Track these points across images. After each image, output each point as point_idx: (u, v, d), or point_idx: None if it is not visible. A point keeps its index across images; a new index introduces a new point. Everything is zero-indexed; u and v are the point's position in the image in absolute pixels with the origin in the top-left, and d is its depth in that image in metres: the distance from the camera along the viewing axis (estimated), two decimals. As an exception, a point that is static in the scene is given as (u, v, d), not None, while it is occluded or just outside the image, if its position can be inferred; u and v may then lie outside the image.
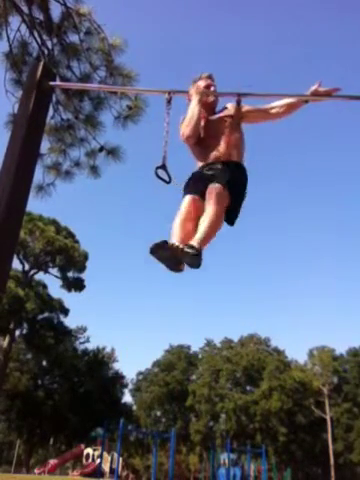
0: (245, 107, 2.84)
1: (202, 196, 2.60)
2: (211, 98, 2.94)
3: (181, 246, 2.24)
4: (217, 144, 2.78)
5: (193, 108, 2.79)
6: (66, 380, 36.54)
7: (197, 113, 2.79)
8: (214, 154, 2.77)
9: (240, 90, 2.86)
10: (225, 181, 2.57)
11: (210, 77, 2.98)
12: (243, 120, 2.87)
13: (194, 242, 2.31)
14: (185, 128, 2.79)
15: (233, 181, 2.61)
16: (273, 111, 2.86)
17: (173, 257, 2.27)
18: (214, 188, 2.53)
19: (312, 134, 71.80)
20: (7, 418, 35.22)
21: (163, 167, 2.62)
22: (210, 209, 2.47)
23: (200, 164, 2.82)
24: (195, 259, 2.24)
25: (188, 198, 2.68)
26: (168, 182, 2.64)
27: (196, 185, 2.71)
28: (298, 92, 2.96)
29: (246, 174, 2.79)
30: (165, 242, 2.25)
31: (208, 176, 2.66)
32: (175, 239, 2.46)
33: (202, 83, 2.93)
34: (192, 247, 2.24)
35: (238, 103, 2.81)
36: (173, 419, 42.33)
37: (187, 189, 2.74)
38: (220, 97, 3.02)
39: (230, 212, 2.62)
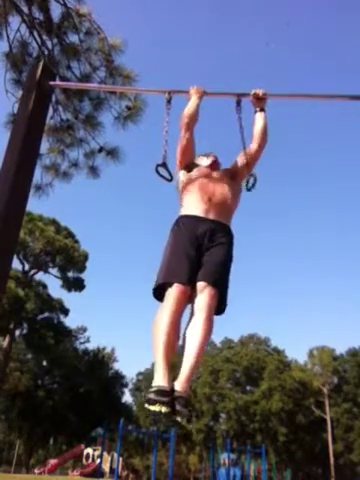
0: (238, 163, 2.74)
1: (190, 281, 2.24)
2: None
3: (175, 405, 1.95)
4: (221, 197, 2.52)
5: (193, 100, 2.79)
6: (66, 380, 36.52)
7: (196, 103, 2.77)
8: (218, 211, 2.48)
9: (240, 91, 2.87)
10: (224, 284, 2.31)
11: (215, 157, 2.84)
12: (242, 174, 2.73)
13: (182, 387, 2.04)
14: (184, 112, 2.75)
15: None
16: (255, 146, 2.74)
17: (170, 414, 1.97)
18: (211, 294, 2.21)
19: (312, 134, 71.81)
20: (7, 418, 35.23)
21: (164, 165, 2.63)
22: (202, 331, 2.16)
23: (196, 207, 2.48)
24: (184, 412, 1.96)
25: (179, 292, 2.20)
26: (169, 180, 2.65)
27: (189, 263, 2.28)
28: (298, 92, 2.97)
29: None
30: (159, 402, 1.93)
31: (210, 256, 2.32)
32: (163, 367, 2.15)
33: (208, 160, 2.80)
34: (184, 402, 1.97)
35: (238, 103, 2.81)
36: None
37: (178, 268, 2.26)
38: (220, 97, 3.02)
39: (220, 304, 2.30)
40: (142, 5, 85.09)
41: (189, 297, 2.26)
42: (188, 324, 2.24)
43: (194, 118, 2.73)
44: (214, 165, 2.75)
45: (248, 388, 42.47)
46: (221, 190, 2.55)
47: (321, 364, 41.09)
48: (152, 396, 1.97)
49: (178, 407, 1.95)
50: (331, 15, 74.60)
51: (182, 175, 2.70)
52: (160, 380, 2.10)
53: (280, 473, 26.46)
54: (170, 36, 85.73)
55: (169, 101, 2.78)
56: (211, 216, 2.46)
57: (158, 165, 2.62)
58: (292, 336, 67.67)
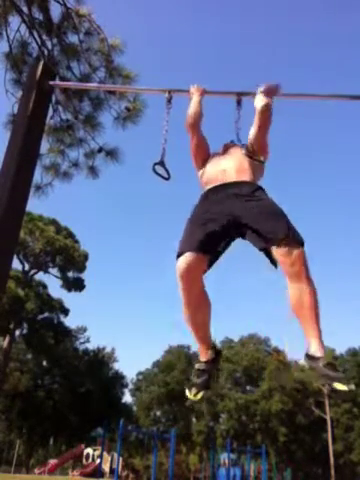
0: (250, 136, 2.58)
1: (209, 244, 2.09)
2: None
3: (338, 386, 1.81)
4: (237, 168, 2.40)
5: (194, 98, 2.77)
6: (66, 380, 36.54)
7: (197, 101, 2.75)
8: (237, 176, 2.35)
9: (240, 90, 2.87)
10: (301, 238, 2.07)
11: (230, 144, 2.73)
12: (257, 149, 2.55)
13: (321, 352, 1.91)
14: (188, 112, 2.71)
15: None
16: (257, 115, 2.57)
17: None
18: (297, 254, 1.99)
19: (311, 134, 71.83)
20: (7, 418, 35.23)
21: (161, 163, 2.63)
22: (307, 293, 1.99)
23: (213, 181, 2.38)
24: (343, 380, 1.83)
25: (184, 266, 2.04)
26: (167, 178, 2.64)
27: (203, 230, 2.11)
28: (297, 92, 2.97)
29: None
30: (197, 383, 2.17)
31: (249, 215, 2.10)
32: (201, 345, 2.21)
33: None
34: (333, 366, 1.85)
35: (238, 103, 2.81)
36: (173, 419, 42.33)
37: (187, 238, 2.14)
38: (220, 97, 3.02)
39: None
40: (142, 5, 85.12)
41: (201, 268, 2.10)
42: (288, 287, 2.02)
43: (198, 116, 2.69)
44: (225, 148, 2.64)
45: (248, 388, 42.48)
46: (235, 162, 2.44)
47: (321, 364, 41.08)
48: (193, 378, 2.16)
49: (333, 374, 1.84)
50: (332, 15, 74.62)
51: (200, 173, 2.62)
52: (201, 357, 2.27)
53: (280, 473, 26.47)
54: (170, 36, 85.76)
55: (169, 100, 2.79)
56: (229, 179, 2.32)
57: (155, 164, 2.62)
58: (292, 336, 67.66)
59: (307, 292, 1.99)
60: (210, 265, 2.18)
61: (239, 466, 21.79)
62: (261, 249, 2.10)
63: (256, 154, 2.48)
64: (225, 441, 24.76)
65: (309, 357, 1.94)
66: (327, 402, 39.07)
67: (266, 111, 2.51)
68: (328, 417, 38.23)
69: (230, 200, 2.19)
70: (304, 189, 69.45)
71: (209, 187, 2.37)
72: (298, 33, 75.29)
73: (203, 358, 2.23)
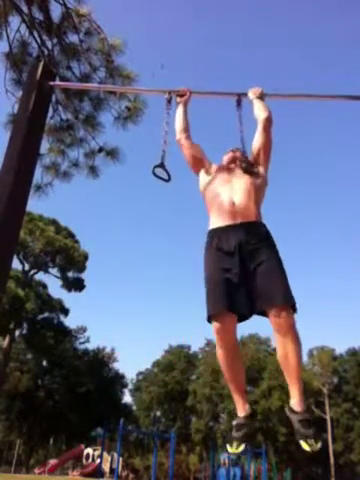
0: (254, 150, 2.68)
1: (233, 307, 2.21)
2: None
3: (304, 443, 2.08)
4: (244, 194, 2.46)
5: (178, 111, 2.83)
6: (66, 380, 36.54)
7: (181, 114, 2.79)
8: (244, 210, 2.41)
9: (240, 91, 2.88)
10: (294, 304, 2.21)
11: (235, 151, 2.77)
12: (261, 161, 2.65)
13: (300, 407, 2.13)
14: (176, 128, 2.77)
15: None
16: (260, 128, 2.68)
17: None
18: (286, 314, 2.14)
19: (311, 134, 71.82)
20: (7, 418, 35.23)
21: (161, 166, 2.61)
22: (292, 350, 2.15)
23: (221, 215, 2.43)
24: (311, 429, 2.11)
25: (222, 327, 2.22)
26: (167, 180, 2.63)
27: (227, 289, 2.23)
28: (297, 92, 2.97)
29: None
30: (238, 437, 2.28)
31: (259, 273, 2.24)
32: (240, 400, 2.37)
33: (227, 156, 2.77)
34: (308, 423, 2.11)
35: (238, 104, 2.81)
36: (173, 419, 42.33)
37: (217, 298, 2.24)
38: (220, 97, 3.02)
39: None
40: (142, 5, 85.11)
41: (235, 321, 2.26)
42: (276, 343, 2.21)
43: (186, 130, 2.75)
44: (230, 163, 2.68)
45: (248, 388, 42.49)
46: (241, 186, 2.47)
47: (321, 364, 41.09)
48: (233, 433, 2.27)
49: (303, 430, 2.08)
50: (332, 15, 74.63)
51: (201, 178, 2.67)
52: (239, 412, 2.38)
53: (280, 473, 26.48)
54: (170, 36, 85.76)
55: (169, 101, 2.79)
56: (239, 219, 2.38)
57: (155, 166, 2.60)
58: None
59: (293, 350, 2.16)
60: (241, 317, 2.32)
61: (239, 466, 21.78)
62: (258, 310, 2.25)
63: (257, 167, 2.60)
64: (225, 441, 24.74)
65: (289, 409, 2.16)
66: (327, 402, 39.07)
67: (269, 124, 2.66)
68: (328, 417, 38.23)
69: (241, 252, 2.30)
70: (303, 189, 69.49)
71: (218, 226, 2.42)
72: (298, 33, 75.33)
73: (241, 413, 2.33)
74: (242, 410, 2.33)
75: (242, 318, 2.29)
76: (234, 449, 2.22)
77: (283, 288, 2.21)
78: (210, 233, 2.46)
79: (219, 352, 2.27)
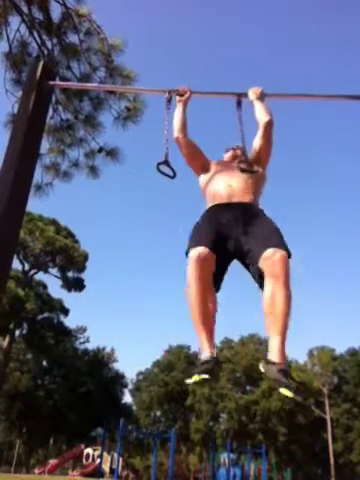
0: (254, 149, 2.72)
1: (217, 250, 2.20)
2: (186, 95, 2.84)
3: (282, 388, 1.94)
4: (242, 183, 2.52)
5: (177, 111, 2.83)
6: (66, 380, 36.53)
7: (180, 113, 2.80)
8: (241, 193, 2.47)
9: (240, 90, 2.88)
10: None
11: (235, 149, 2.84)
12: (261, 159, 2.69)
13: (279, 359, 2.00)
14: (173, 126, 2.79)
15: None
16: (261, 129, 2.71)
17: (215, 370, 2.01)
18: (282, 256, 2.10)
19: (311, 134, 71.81)
20: (7, 418, 35.22)
21: (165, 162, 2.62)
22: (281, 294, 2.06)
23: (218, 196, 2.50)
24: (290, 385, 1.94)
25: (199, 255, 2.15)
26: (172, 177, 2.63)
27: (214, 234, 2.26)
28: (296, 92, 2.97)
29: None
30: (205, 370, 1.98)
31: (245, 222, 2.28)
32: (205, 339, 2.13)
33: (228, 154, 2.85)
34: (284, 373, 1.95)
35: (238, 104, 2.81)
36: (173, 419, 42.32)
37: (200, 237, 2.25)
38: (220, 97, 3.02)
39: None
40: (142, 5, 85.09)
41: (212, 264, 2.18)
42: (265, 288, 2.11)
43: (183, 130, 2.76)
44: (231, 158, 2.77)
45: (248, 388, 42.46)
46: (240, 178, 2.53)
47: (321, 364, 41.08)
48: (197, 370, 2.01)
49: (284, 380, 1.94)
50: (332, 14, 74.60)
51: (201, 180, 2.72)
52: (203, 354, 2.11)
53: (280, 473, 26.47)
54: (170, 36, 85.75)
55: (169, 100, 2.79)
56: (235, 199, 2.44)
57: (159, 163, 2.61)
58: (292, 336, 67.54)
59: (283, 295, 2.05)
60: (216, 280, 2.25)
61: (239, 466, 21.78)
62: (252, 255, 2.20)
63: (255, 166, 2.60)
64: (225, 441, 24.76)
65: (267, 361, 2.01)
66: (327, 402, 39.07)
67: (270, 128, 2.68)
68: (328, 417, 38.23)
69: (236, 224, 2.31)
70: (303, 189, 69.48)
71: (215, 203, 2.48)
72: (298, 33, 75.31)
73: (207, 353, 2.10)
74: (209, 351, 2.10)
75: (221, 263, 2.24)
76: (195, 378, 1.98)
77: (278, 237, 2.23)
78: (205, 211, 2.52)
79: (192, 285, 2.12)
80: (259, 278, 2.19)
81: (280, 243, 2.18)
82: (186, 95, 2.85)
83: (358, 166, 69.06)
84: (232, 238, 2.28)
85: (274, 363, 1.98)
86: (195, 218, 2.52)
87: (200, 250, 2.16)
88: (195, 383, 1.98)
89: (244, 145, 2.73)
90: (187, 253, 2.23)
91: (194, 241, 2.25)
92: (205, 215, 2.47)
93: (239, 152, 2.78)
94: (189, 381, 2.01)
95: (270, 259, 2.09)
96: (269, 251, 2.10)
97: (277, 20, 74.78)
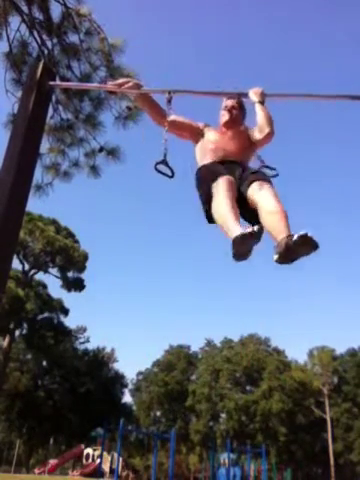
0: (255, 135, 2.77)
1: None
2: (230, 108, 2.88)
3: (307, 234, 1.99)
4: (237, 150, 2.66)
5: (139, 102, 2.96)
6: (66, 380, 36.54)
7: (144, 106, 2.88)
8: (235, 157, 2.62)
9: (240, 90, 2.87)
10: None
11: (234, 101, 2.88)
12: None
13: (287, 231, 2.10)
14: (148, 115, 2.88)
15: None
16: (261, 135, 2.75)
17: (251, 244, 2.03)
18: (269, 186, 2.31)
19: (310, 134, 71.82)
20: (7, 418, 35.23)
21: (163, 162, 2.61)
22: (276, 202, 2.23)
23: (212, 157, 2.63)
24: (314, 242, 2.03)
25: (225, 180, 2.31)
26: (171, 176, 2.63)
27: (225, 168, 2.43)
28: (297, 92, 2.97)
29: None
30: (256, 232, 1.96)
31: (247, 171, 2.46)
32: (238, 225, 2.10)
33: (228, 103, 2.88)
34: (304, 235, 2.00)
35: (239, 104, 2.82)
36: (173, 419, 42.33)
37: (217, 171, 2.40)
38: (220, 97, 3.02)
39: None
40: (142, 5, 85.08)
41: (235, 189, 2.30)
42: (260, 205, 2.23)
43: (160, 115, 2.77)
44: (230, 122, 2.78)
45: (248, 388, 42.47)
46: (236, 145, 2.63)
47: (321, 364, 41.10)
48: (238, 239, 1.97)
49: (293, 237, 1.98)
50: (332, 14, 74.62)
51: (197, 148, 2.78)
52: (236, 231, 2.04)
53: (280, 473, 26.45)
54: (170, 36, 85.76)
55: (169, 101, 2.78)
56: (230, 159, 2.54)
57: (157, 163, 2.60)
58: (292, 336, 67.73)
59: (278, 201, 2.22)
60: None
61: (239, 466, 21.78)
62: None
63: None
64: (225, 441, 24.75)
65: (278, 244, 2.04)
66: (327, 402, 39.08)
67: (270, 140, 2.74)
68: (328, 417, 38.24)
69: (236, 169, 2.47)
70: (303, 189, 69.51)
71: (216, 159, 2.57)
72: (298, 33, 75.34)
73: (240, 229, 2.03)
74: (240, 228, 2.06)
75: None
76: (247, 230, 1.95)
77: (267, 176, 2.39)
78: (200, 167, 2.61)
79: (221, 197, 2.21)
80: (251, 215, 2.29)
81: (266, 177, 2.36)
82: (135, 92, 2.89)
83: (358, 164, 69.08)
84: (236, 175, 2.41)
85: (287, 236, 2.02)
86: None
87: (224, 178, 2.29)
88: (250, 234, 1.94)
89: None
90: (206, 192, 2.34)
91: (213, 175, 2.35)
92: (203, 166, 2.55)
93: (235, 114, 2.81)
94: (247, 230, 1.96)
95: (255, 190, 2.27)
96: (254, 184, 2.29)
97: (277, 20, 74.82)
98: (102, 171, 5.57)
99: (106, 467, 21.32)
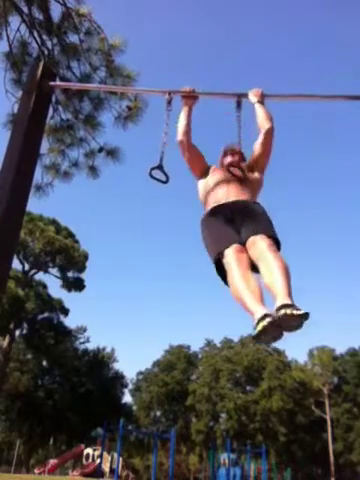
0: (254, 154, 2.79)
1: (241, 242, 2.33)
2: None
3: (289, 311, 1.88)
4: (240, 195, 2.61)
5: (183, 113, 2.84)
6: (66, 380, 36.55)
7: (186, 116, 2.80)
8: (238, 196, 2.58)
9: (240, 91, 2.88)
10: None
11: (234, 154, 2.83)
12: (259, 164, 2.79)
13: (289, 299, 1.99)
14: (178, 128, 2.80)
15: None
16: (262, 134, 2.77)
17: (276, 328, 1.93)
18: (268, 241, 2.26)
19: (311, 134, 71.81)
20: (7, 418, 35.22)
21: (159, 167, 2.60)
22: (277, 261, 2.15)
23: (216, 200, 2.59)
24: (304, 317, 1.91)
25: (236, 250, 2.26)
26: (165, 182, 2.62)
27: (233, 231, 2.39)
28: (296, 92, 2.97)
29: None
30: (268, 317, 1.89)
31: (247, 217, 2.41)
32: (258, 303, 2.05)
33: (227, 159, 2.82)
34: (294, 306, 1.90)
35: (238, 104, 2.81)
36: (173, 419, 42.32)
37: (223, 238, 2.35)
38: (220, 98, 3.02)
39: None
40: (142, 5, 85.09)
41: (247, 254, 2.27)
42: (261, 271, 2.17)
43: (187, 133, 2.76)
44: (230, 166, 2.75)
45: (248, 388, 42.45)
46: (238, 185, 2.61)
47: (321, 364, 41.08)
48: (255, 325, 1.90)
49: (295, 312, 1.88)
50: (332, 15, 74.61)
51: (200, 184, 2.75)
52: (258, 313, 1.97)
53: (280, 473, 26.47)
54: (171, 35, 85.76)
55: (169, 102, 2.77)
56: (232, 199, 2.53)
57: (152, 168, 2.58)
58: (292, 336, 67.52)
59: (279, 260, 2.16)
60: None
61: (239, 466, 21.77)
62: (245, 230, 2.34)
63: (253, 173, 2.72)
64: (225, 441, 24.75)
65: (276, 309, 1.94)
66: (327, 402, 39.07)
67: (271, 136, 2.75)
68: (328, 417, 38.24)
69: (237, 215, 2.45)
70: (303, 189, 69.48)
71: (215, 205, 2.56)
72: (298, 33, 75.31)
73: (263, 310, 1.97)
74: (263, 309, 1.99)
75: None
76: (262, 323, 1.88)
77: (270, 227, 2.38)
78: (206, 212, 2.60)
79: (235, 273, 2.15)
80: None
81: (271, 230, 2.35)
82: (192, 101, 2.84)
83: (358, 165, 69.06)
84: (236, 223, 2.41)
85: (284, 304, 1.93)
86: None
87: (235, 249, 2.26)
88: (260, 333, 1.87)
89: (242, 145, 2.74)
90: (217, 262, 2.33)
91: (219, 244, 2.33)
92: (209, 219, 2.53)
93: (237, 158, 2.78)
94: (256, 330, 1.90)
95: (255, 244, 2.25)
96: (253, 238, 2.27)
97: (278, 20, 74.81)
98: (101, 171, 5.57)
99: (106, 467, 21.31)
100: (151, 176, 2.58)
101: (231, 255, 2.23)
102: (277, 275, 2.09)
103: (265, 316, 1.92)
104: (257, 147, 2.76)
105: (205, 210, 2.61)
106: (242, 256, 2.23)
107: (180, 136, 2.75)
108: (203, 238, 2.50)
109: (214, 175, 2.70)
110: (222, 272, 2.32)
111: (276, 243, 2.31)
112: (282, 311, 1.90)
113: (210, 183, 2.67)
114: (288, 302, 1.93)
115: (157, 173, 2.60)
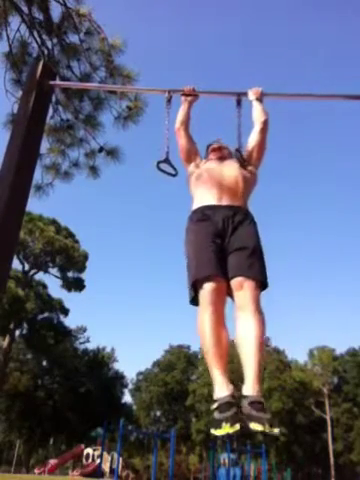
0: (248, 147, 2.75)
1: (222, 274, 2.15)
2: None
3: (255, 413, 1.80)
4: (232, 180, 2.50)
5: (182, 108, 2.87)
6: (66, 380, 36.55)
7: (185, 110, 2.84)
8: (231, 195, 2.45)
9: (240, 90, 2.88)
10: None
11: (222, 148, 2.81)
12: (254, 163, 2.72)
13: (254, 390, 1.91)
14: (177, 119, 2.83)
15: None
16: (257, 127, 2.77)
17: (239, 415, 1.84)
18: (252, 286, 2.11)
19: (311, 135, 71.81)
20: (7, 418, 35.24)
21: (166, 161, 2.61)
22: (255, 325, 2.03)
23: (207, 195, 2.46)
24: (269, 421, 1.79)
25: (213, 288, 2.09)
26: (174, 175, 2.62)
27: (215, 256, 2.18)
28: (296, 92, 2.97)
29: None
30: (232, 408, 1.81)
31: (236, 245, 2.22)
32: (222, 376, 2.01)
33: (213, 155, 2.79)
34: (261, 406, 1.83)
35: (238, 103, 2.81)
36: (173, 419, 42.33)
37: (206, 262, 2.16)
38: (220, 97, 3.02)
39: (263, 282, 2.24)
40: (142, 5, 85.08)
41: (226, 290, 2.15)
42: (237, 322, 2.10)
43: (185, 123, 2.80)
44: (220, 155, 2.75)
45: (248, 388, 42.47)
46: (230, 173, 2.53)
47: (321, 364, 41.09)
48: (217, 415, 1.81)
49: (255, 413, 1.81)
50: (332, 14, 74.60)
51: (190, 171, 2.72)
52: (221, 391, 1.98)
53: (280, 473, 26.46)
54: (170, 35, 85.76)
55: (169, 101, 2.79)
56: (225, 202, 2.40)
57: (159, 162, 2.59)
58: (292, 336, 67.72)
59: (255, 325, 2.03)
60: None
61: (239, 466, 21.76)
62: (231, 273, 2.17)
63: (249, 164, 2.65)
64: (225, 441, 24.73)
65: (243, 396, 1.90)
66: (327, 402, 39.07)
67: (266, 126, 2.76)
68: (328, 417, 38.24)
69: (226, 224, 2.31)
70: (305, 188, 69.48)
71: (204, 204, 2.43)
72: (298, 33, 75.31)
73: (225, 392, 1.98)
74: (226, 389, 1.99)
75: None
76: (228, 428, 1.76)
77: (258, 265, 2.20)
78: (195, 210, 2.48)
79: (206, 317, 2.04)
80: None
81: (257, 270, 2.17)
82: (192, 97, 2.87)
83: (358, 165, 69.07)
84: (225, 241, 2.28)
85: (246, 396, 1.89)
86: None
87: (213, 286, 2.10)
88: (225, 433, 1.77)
89: (240, 144, 2.74)
90: (194, 284, 2.18)
91: (199, 269, 2.16)
92: (196, 228, 2.38)
93: (226, 152, 2.78)
94: (220, 432, 1.80)
95: (239, 288, 2.11)
96: (238, 279, 2.12)
97: (278, 20, 74.81)
98: (102, 171, 5.58)
99: (106, 467, 21.32)
100: (159, 169, 2.58)
101: (208, 294, 2.08)
102: (251, 352, 2.02)
103: (229, 405, 1.85)
104: (251, 138, 2.76)
105: (193, 207, 2.51)
106: (219, 300, 2.09)
107: (178, 124, 2.79)
108: (185, 250, 2.36)
109: (206, 167, 2.67)
110: (195, 298, 2.22)
111: (263, 285, 2.19)
112: (249, 409, 1.82)
113: (202, 175, 2.61)
114: (258, 399, 1.86)
115: (165, 166, 2.61)
